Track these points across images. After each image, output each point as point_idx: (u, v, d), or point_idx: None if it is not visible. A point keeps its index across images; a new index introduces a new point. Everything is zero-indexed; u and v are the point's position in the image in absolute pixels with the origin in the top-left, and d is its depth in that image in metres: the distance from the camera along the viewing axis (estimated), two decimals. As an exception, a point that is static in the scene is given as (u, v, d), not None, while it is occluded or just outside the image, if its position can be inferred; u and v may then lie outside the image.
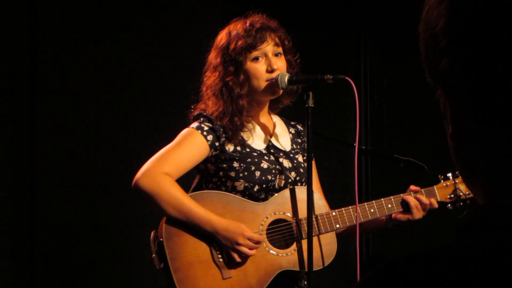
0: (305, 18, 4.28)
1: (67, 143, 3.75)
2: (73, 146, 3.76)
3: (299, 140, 2.98)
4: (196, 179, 2.90)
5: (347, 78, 2.72)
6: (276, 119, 2.98)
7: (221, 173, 2.81)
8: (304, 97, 2.74)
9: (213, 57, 2.86)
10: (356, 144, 2.72)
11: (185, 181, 2.86)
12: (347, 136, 4.34)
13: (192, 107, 2.88)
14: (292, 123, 3.02)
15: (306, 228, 2.76)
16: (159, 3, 3.99)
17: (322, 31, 4.42)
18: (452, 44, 0.80)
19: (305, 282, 2.83)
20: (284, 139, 2.93)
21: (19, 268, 3.69)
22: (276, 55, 2.82)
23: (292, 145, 2.94)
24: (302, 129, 3.01)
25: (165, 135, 2.96)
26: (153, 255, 2.74)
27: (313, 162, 2.96)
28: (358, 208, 2.82)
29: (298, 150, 2.96)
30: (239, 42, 2.79)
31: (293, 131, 2.99)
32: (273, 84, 2.79)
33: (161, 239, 2.73)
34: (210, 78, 2.84)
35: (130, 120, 3.87)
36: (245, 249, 2.72)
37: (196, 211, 2.71)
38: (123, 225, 3.81)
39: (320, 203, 2.86)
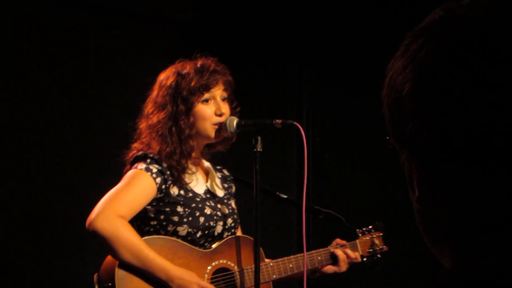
0: (245, 59, 4.31)
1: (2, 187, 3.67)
2: (9, 189, 3.68)
3: (226, 185, 2.98)
4: None
5: (295, 123, 2.76)
6: (207, 163, 2.97)
7: (162, 216, 2.76)
8: (253, 141, 2.76)
9: (158, 96, 2.80)
10: (304, 188, 2.74)
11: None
12: (287, 177, 4.37)
13: (130, 146, 2.82)
14: (218, 167, 3.01)
15: (247, 277, 2.78)
16: (101, 42, 3.96)
17: (263, 74, 4.46)
18: (419, 108, 0.82)
19: None
20: (217, 185, 2.93)
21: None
22: (223, 99, 2.83)
23: (223, 191, 2.94)
24: (228, 174, 3.02)
25: (102, 173, 2.91)
26: None
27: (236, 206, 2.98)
28: (305, 256, 2.85)
29: (229, 196, 2.96)
30: (192, 83, 2.77)
31: (220, 176, 2.98)
32: (219, 128, 2.80)
33: (109, 284, 2.67)
34: (156, 117, 2.78)
35: (66, 157, 3.81)
36: None
37: (153, 258, 2.66)
38: (61, 268, 3.74)
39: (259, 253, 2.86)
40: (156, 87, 2.84)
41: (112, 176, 2.83)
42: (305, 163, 2.75)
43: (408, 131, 0.83)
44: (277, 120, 2.74)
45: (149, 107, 2.84)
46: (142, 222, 2.80)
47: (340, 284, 4.18)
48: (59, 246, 3.72)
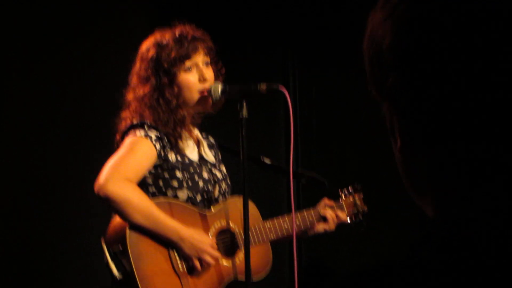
0: (232, 28, 4.28)
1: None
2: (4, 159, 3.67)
3: (213, 152, 3.00)
4: None
5: (281, 87, 2.75)
6: (196, 131, 2.98)
7: (160, 182, 2.78)
8: (238, 107, 2.75)
9: (141, 69, 2.81)
10: (291, 155, 2.75)
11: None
12: (274, 144, 4.37)
13: (122, 116, 2.81)
14: (204, 135, 3.02)
15: (250, 237, 2.79)
16: (85, 15, 3.91)
17: (249, 42, 4.44)
18: (399, 61, 0.82)
19: None
20: (208, 151, 2.95)
21: None
22: (206, 64, 2.83)
23: (214, 157, 2.96)
24: (212, 141, 3.03)
25: (95, 144, 2.91)
26: (110, 264, 2.67)
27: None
28: (294, 217, 2.87)
29: (219, 162, 2.98)
30: (173, 53, 2.76)
31: (207, 143, 3.00)
32: (205, 96, 2.80)
33: (120, 247, 2.67)
34: (142, 90, 2.79)
35: (57, 130, 3.79)
36: (208, 258, 2.73)
37: (164, 220, 2.68)
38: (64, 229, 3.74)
39: (256, 215, 2.91)
40: (138, 59, 2.84)
41: (98, 147, 2.83)
42: (291, 127, 2.76)
43: (389, 83, 0.84)
44: (262, 85, 2.74)
45: (134, 79, 2.84)
46: (140, 188, 2.79)
47: (332, 247, 4.21)
48: (60, 214, 3.71)
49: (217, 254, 2.75)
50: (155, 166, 2.77)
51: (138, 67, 2.82)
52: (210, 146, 3.00)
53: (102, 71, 3.85)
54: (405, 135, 0.84)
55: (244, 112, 2.73)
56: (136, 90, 2.81)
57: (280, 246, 3.10)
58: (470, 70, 0.79)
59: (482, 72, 0.78)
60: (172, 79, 2.78)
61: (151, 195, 2.78)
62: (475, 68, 0.78)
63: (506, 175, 0.79)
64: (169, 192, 2.78)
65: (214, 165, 2.92)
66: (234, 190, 3.04)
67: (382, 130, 0.93)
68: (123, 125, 2.80)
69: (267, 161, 3.11)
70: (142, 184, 2.78)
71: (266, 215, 3.01)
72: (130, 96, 2.83)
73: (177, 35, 2.79)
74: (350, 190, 3.13)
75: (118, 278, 2.67)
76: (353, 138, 4.40)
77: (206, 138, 3.01)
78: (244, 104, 2.72)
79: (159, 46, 2.78)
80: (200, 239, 2.72)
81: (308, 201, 3.13)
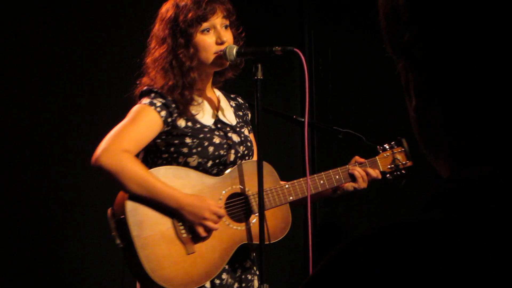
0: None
1: (11, 123, 3.64)
2: (18, 127, 3.66)
3: (241, 113, 3.00)
4: (140, 155, 2.84)
5: (295, 49, 2.74)
6: (219, 93, 2.98)
7: (172, 149, 2.79)
8: (253, 69, 2.74)
9: (159, 30, 2.83)
10: (306, 116, 2.74)
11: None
12: (290, 108, 4.36)
13: (137, 82, 2.84)
14: (232, 96, 3.03)
15: (262, 200, 2.78)
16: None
17: (265, 3, 4.41)
18: (416, 18, 0.81)
19: (254, 254, 2.87)
20: (229, 113, 2.95)
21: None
22: (225, 27, 2.82)
23: (236, 119, 2.95)
24: (242, 101, 3.04)
25: (111, 112, 2.91)
26: (113, 233, 2.70)
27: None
28: (309, 180, 2.87)
29: (242, 124, 2.98)
30: (190, 14, 2.77)
31: (233, 104, 3.00)
32: (221, 56, 2.79)
33: (122, 216, 2.69)
34: (158, 51, 2.81)
35: (74, 98, 3.77)
36: (210, 224, 2.73)
37: (161, 187, 2.69)
38: (72, 206, 3.75)
39: (274, 176, 2.90)
40: (157, 21, 2.86)
41: (120, 112, 2.84)
42: (306, 90, 2.74)
43: (405, 40, 0.82)
44: (277, 47, 2.74)
45: (152, 42, 2.87)
46: (154, 155, 2.83)
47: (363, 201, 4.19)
48: (70, 183, 3.72)
49: (218, 219, 2.74)
50: (166, 133, 2.78)
51: (156, 28, 2.84)
52: (238, 107, 3.00)
53: (120, 43, 3.83)
54: (421, 93, 0.83)
55: (259, 75, 2.73)
56: (152, 53, 2.83)
57: (295, 208, 3.09)
58: (488, 25, 0.77)
59: (501, 28, 0.77)
60: (188, 40, 2.78)
61: (165, 161, 2.80)
62: (494, 23, 0.77)
63: None
64: (180, 159, 2.78)
65: (234, 128, 2.91)
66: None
67: (398, 91, 0.91)
68: (137, 92, 2.83)
69: (300, 118, 3.12)
70: (156, 151, 2.81)
71: (290, 175, 3.00)
72: (148, 59, 2.85)
73: None
74: (390, 144, 3.09)
75: (120, 245, 2.70)
76: (369, 100, 4.38)
77: (234, 99, 3.02)
78: (259, 66, 2.72)
79: (177, 7, 2.80)
80: (200, 205, 2.71)
81: (337, 159, 3.07)
